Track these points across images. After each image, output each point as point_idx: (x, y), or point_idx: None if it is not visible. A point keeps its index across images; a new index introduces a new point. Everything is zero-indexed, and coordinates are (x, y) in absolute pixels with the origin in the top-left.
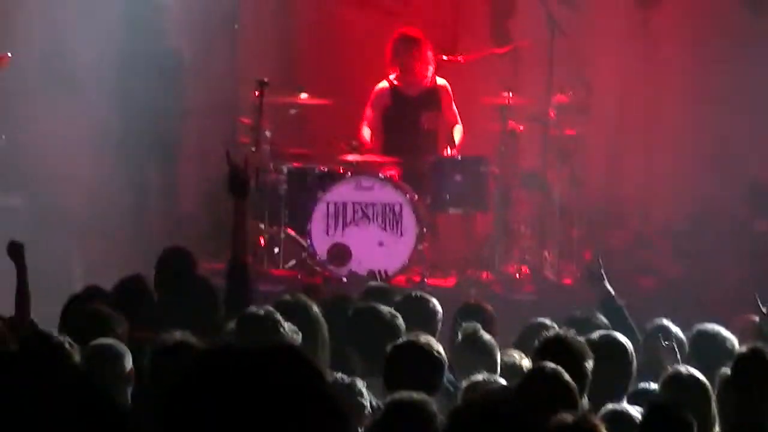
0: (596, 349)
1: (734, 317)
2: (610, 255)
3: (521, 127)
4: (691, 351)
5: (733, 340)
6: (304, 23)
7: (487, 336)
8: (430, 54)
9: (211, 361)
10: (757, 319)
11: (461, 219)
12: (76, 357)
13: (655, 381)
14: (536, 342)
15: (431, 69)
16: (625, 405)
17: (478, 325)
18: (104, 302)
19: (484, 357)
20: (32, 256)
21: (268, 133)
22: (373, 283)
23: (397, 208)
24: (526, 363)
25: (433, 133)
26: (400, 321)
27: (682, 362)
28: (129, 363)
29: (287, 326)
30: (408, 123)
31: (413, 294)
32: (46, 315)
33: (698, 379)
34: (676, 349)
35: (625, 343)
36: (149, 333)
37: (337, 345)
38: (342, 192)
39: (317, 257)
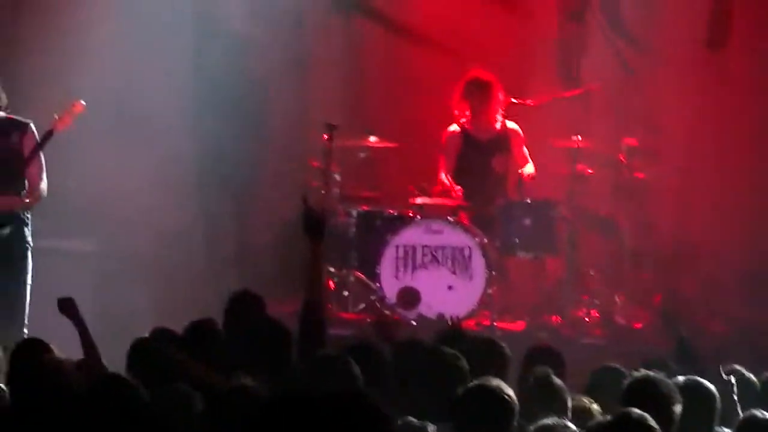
0: (682, 393)
1: None
2: (681, 299)
3: (591, 171)
4: (764, 395)
5: None
6: (372, 66)
7: (557, 380)
8: (500, 96)
9: (279, 408)
10: None
11: (531, 262)
12: (146, 399)
13: (726, 425)
14: (606, 386)
15: (501, 112)
16: None
17: (549, 369)
18: (173, 345)
19: (554, 401)
20: (102, 301)
21: (337, 177)
22: (443, 326)
23: (466, 252)
24: (595, 408)
25: (503, 177)
26: (471, 365)
27: (754, 407)
28: (199, 406)
29: (357, 369)
30: (478, 167)
31: (484, 338)
32: (115, 359)
33: None
34: (734, 385)
35: (710, 388)
36: (220, 376)
37: (407, 388)
38: (411, 235)
39: (386, 301)
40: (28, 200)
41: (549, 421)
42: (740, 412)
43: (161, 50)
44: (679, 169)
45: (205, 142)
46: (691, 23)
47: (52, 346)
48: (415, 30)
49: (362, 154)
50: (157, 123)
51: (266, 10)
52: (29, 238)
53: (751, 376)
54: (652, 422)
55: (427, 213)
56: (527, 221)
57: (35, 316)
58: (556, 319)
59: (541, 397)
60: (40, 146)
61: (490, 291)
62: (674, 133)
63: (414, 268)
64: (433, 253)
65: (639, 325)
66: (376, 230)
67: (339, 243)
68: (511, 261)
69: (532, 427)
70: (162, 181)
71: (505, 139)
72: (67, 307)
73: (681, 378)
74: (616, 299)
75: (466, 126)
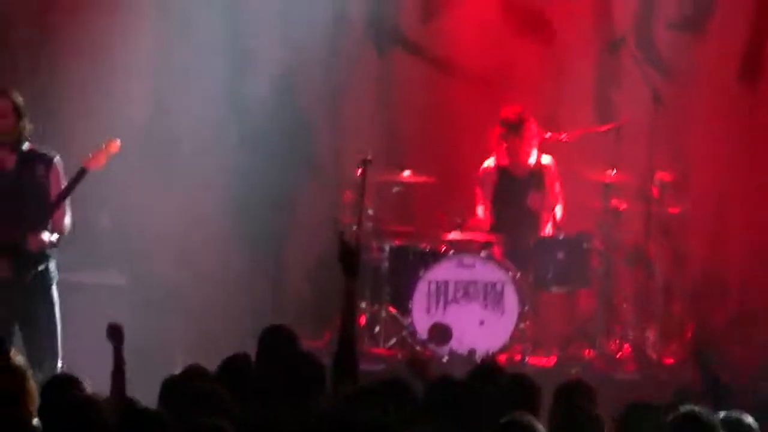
0: (724, 428)
1: None
2: (712, 332)
3: (624, 205)
4: None
5: None
6: (407, 99)
7: (592, 413)
8: (534, 129)
9: None
10: None
11: (564, 296)
12: None
13: None
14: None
15: (536, 146)
16: None
17: (583, 404)
18: (206, 381)
19: None
20: (134, 336)
21: (370, 211)
22: (475, 363)
23: (498, 287)
24: None
25: (537, 213)
26: (502, 401)
27: None
28: None
29: (390, 405)
30: (514, 202)
31: (515, 374)
32: (146, 394)
33: None
34: None
35: (752, 423)
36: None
37: (439, 425)
38: (444, 270)
39: (418, 336)
40: (55, 239)
41: None
42: None
43: (195, 82)
44: (710, 201)
45: (239, 175)
46: (724, 57)
47: (84, 381)
48: (450, 63)
49: (396, 189)
50: (191, 157)
51: (301, 40)
52: (55, 272)
53: None
54: None
55: (460, 248)
56: (560, 255)
57: (68, 349)
58: (588, 352)
59: None
60: (71, 186)
61: (522, 326)
62: (706, 167)
63: (446, 303)
64: (465, 287)
65: (670, 361)
66: (409, 265)
67: (371, 278)
68: (544, 295)
69: None
70: (196, 215)
71: (540, 175)
72: (115, 333)
73: (721, 413)
74: (649, 335)
75: (502, 161)
